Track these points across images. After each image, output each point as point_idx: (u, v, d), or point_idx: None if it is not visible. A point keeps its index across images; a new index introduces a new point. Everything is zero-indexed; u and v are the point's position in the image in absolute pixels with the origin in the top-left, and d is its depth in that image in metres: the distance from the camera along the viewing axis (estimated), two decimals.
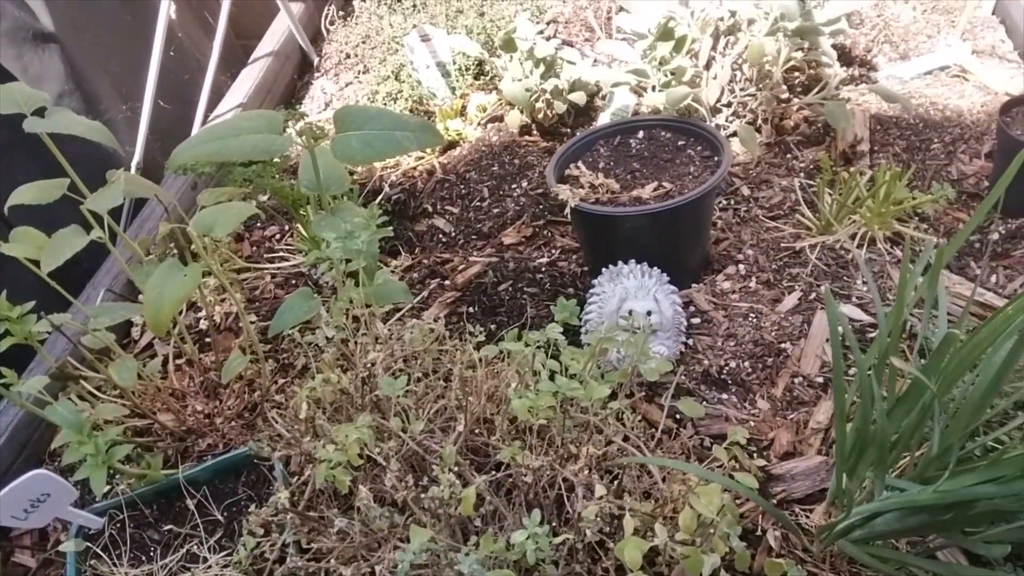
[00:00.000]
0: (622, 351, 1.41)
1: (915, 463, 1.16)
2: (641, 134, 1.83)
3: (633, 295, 1.56)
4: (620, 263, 1.62)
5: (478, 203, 2.13)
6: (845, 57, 2.41)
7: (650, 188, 1.67)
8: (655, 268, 1.61)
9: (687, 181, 1.67)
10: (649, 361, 1.34)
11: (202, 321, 1.92)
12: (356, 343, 1.32)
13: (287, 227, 2.19)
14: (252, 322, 1.91)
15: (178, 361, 1.80)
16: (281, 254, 2.11)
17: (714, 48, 2.04)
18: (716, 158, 1.71)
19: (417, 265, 2.00)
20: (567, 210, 1.63)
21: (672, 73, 2.00)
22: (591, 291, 1.62)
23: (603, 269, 1.63)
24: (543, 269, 1.87)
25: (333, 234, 1.22)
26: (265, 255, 2.12)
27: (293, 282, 2.01)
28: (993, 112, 2.08)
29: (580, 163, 1.78)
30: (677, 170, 1.71)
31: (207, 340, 1.87)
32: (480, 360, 1.32)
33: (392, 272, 2.00)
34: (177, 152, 1.29)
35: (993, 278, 1.74)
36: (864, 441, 1.00)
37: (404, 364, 1.35)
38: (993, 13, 2.51)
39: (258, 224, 2.24)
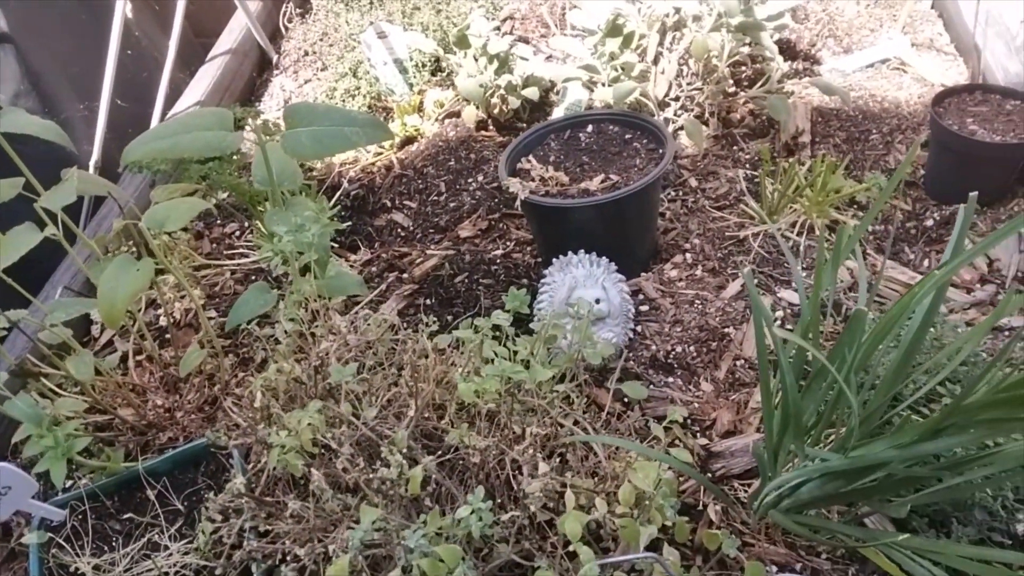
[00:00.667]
0: (570, 337, 1.47)
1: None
2: (590, 128, 1.89)
3: (582, 283, 1.62)
4: (570, 253, 1.67)
5: (435, 197, 2.17)
6: (790, 51, 2.49)
7: (598, 180, 1.73)
8: (603, 258, 1.67)
9: (633, 173, 1.73)
10: (595, 346, 1.40)
11: (162, 318, 1.94)
12: (312, 334, 1.36)
13: (246, 224, 2.21)
14: (212, 318, 1.94)
15: (138, 357, 1.82)
16: (241, 251, 2.14)
17: (661, 44, 2.11)
18: (661, 151, 1.77)
19: (376, 259, 2.04)
20: (518, 202, 1.68)
21: (621, 68, 2.06)
22: (542, 280, 1.68)
23: (554, 259, 1.68)
24: (498, 261, 1.92)
25: (284, 228, 1.26)
26: (225, 252, 2.15)
27: (253, 278, 2.04)
28: (929, 103, 2.17)
29: (531, 157, 1.83)
30: (624, 163, 1.77)
31: (167, 336, 1.89)
32: (432, 347, 1.37)
33: (351, 266, 2.04)
34: (130, 149, 1.32)
35: (926, 262, 1.83)
36: (787, 418, 1.07)
37: (359, 354, 1.39)
38: (932, 7, 2.61)
39: (218, 221, 2.26)
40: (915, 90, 2.28)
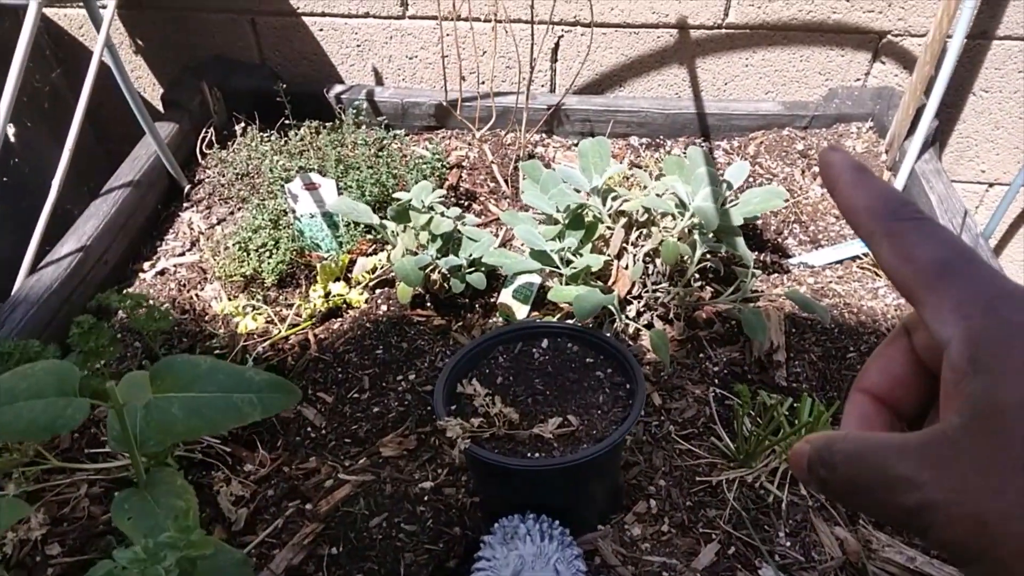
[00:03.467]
0: None
1: None
2: (545, 343, 1.61)
3: (530, 565, 1.29)
4: (516, 518, 1.36)
5: (356, 394, 1.84)
6: (757, 239, 2.31)
7: (553, 424, 1.43)
8: (556, 524, 1.36)
9: (595, 417, 1.44)
10: None
11: None
12: None
13: None
14: (55, 555, 1.52)
15: None
16: (106, 450, 1.73)
17: (626, 239, 1.87)
18: (629, 386, 1.49)
19: (275, 474, 1.68)
20: (456, 452, 1.36)
21: (583, 267, 1.81)
22: (479, 554, 1.35)
23: (496, 525, 1.36)
24: (426, 498, 1.58)
25: (127, 557, 0.90)
26: (87, 449, 1.74)
27: (116, 493, 1.63)
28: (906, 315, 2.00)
29: (474, 378, 1.53)
30: (584, 398, 1.49)
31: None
32: None
33: (242, 482, 1.66)
34: None
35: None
36: None
37: None
38: None
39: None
40: (891, 300, 2.11)
